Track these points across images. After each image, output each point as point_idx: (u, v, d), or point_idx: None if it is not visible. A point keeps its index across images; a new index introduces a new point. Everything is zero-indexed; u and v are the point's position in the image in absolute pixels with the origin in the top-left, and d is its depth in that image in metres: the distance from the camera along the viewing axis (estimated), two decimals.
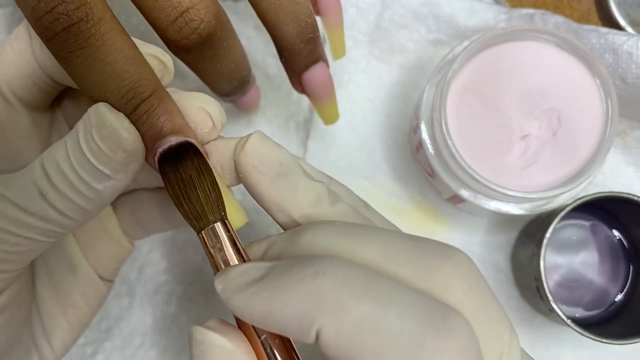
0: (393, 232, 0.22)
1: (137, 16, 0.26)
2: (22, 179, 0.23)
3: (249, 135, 0.25)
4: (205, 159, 0.24)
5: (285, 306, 0.19)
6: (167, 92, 0.24)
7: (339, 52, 0.36)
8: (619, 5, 0.43)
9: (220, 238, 0.23)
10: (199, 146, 0.24)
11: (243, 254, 0.23)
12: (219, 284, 0.21)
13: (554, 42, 0.36)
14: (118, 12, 0.23)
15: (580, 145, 0.36)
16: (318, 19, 0.33)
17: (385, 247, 0.21)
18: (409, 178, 0.43)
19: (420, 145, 0.38)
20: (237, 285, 0.21)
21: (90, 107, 0.23)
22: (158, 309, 0.42)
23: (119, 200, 0.32)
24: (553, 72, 0.36)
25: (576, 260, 0.41)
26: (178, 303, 0.42)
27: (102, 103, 0.22)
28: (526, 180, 0.36)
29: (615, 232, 0.41)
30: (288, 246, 0.22)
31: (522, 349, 0.22)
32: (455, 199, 0.39)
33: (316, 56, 0.32)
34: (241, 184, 0.25)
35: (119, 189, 0.24)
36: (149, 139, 0.23)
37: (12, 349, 0.27)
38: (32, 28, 0.25)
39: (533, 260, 0.38)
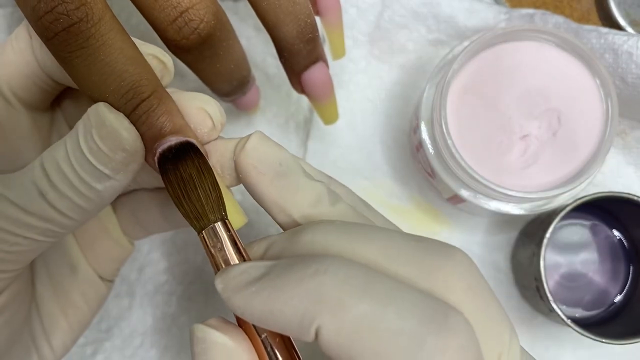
0: (393, 232, 0.22)
1: (137, 16, 0.26)
2: (21, 178, 0.23)
3: (249, 135, 0.25)
4: (205, 158, 0.24)
5: (286, 305, 0.19)
6: (167, 92, 0.24)
7: (339, 52, 0.36)
8: (619, 5, 0.43)
9: (220, 237, 0.23)
10: (199, 146, 0.24)
11: (243, 253, 0.23)
12: (219, 283, 0.21)
13: (554, 42, 0.36)
14: (118, 12, 0.23)
15: (580, 145, 0.36)
16: (317, 19, 0.33)
17: (386, 246, 0.21)
18: (409, 178, 0.43)
19: (420, 145, 0.38)
20: (237, 284, 0.21)
21: (90, 107, 0.23)
22: (158, 309, 0.42)
23: (119, 201, 0.32)
24: (553, 72, 0.36)
25: (576, 260, 0.41)
26: (178, 303, 0.42)
27: (102, 103, 0.22)
28: (526, 180, 0.36)
29: (616, 232, 0.41)
30: (288, 245, 0.22)
31: (522, 347, 0.22)
32: (455, 199, 0.39)
33: (316, 56, 0.32)
34: (241, 184, 0.25)
35: (119, 189, 0.24)
36: (148, 139, 0.23)
37: (11, 349, 0.27)
38: (32, 28, 0.25)
39: (533, 260, 0.38)
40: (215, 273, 0.22)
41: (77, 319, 0.30)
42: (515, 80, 0.36)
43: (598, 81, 0.36)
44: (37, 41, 0.25)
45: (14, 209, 0.23)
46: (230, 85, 0.32)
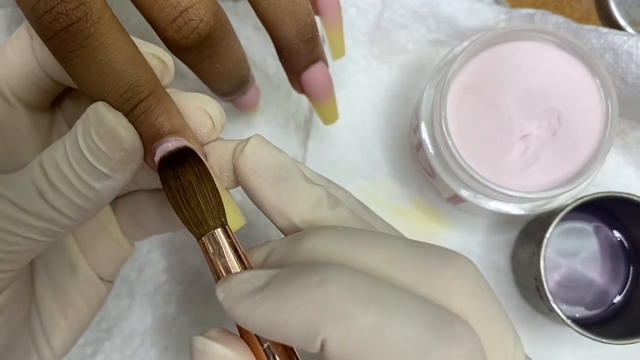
0: (395, 238, 0.22)
1: (137, 16, 0.26)
2: (21, 178, 0.23)
3: (248, 138, 0.24)
4: (204, 164, 0.23)
5: (289, 315, 0.19)
6: (166, 93, 0.24)
7: (339, 52, 0.36)
8: (619, 5, 0.43)
9: (220, 244, 0.22)
10: (197, 151, 0.24)
11: (244, 259, 0.23)
12: (220, 292, 0.21)
13: (554, 42, 0.36)
14: (117, 12, 0.23)
15: (580, 145, 0.36)
16: (317, 18, 0.33)
17: (388, 252, 0.21)
18: (409, 178, 0.43)
19: (420, 145, 0.38)
20: (239, 293, 0.20)
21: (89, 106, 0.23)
22: (158, 309, 0.42)
23: (119, 202, 0.32)
24: (553, 72, 0.36)
25: (576, 260, 0.41)
26: (178, 303, 0.42)
27: (101, 102, 0.22)
28: (526, 180, 0.36)
29: (616, 233, 0.41)
30: (289, 252, 0.22)
31: (526, 355, 0.22)
32: (455, 199, 0.39)
33: (315, 56, 0.32)
34: (240, 187, 0.25)
35: (118, 189, 0.24)
36: (147, 139, 0.23)
37: (11, 349, 0.27)
38: (32, 28, 0.25)
39: (533, 260, 0.38)
40: (215, 280, 0.22)
41: (77, 319, 0.30)
42: (515, 80, 0.36)
43: (598, 81, 0.36)
44: (37, 41, 0.25)
45: (14, 208, 0.23)
46: (230, 85, 0.32)
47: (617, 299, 0.40)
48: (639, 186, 0.42)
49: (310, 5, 0.30)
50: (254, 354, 0.21)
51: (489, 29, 0.40)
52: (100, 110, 0.22)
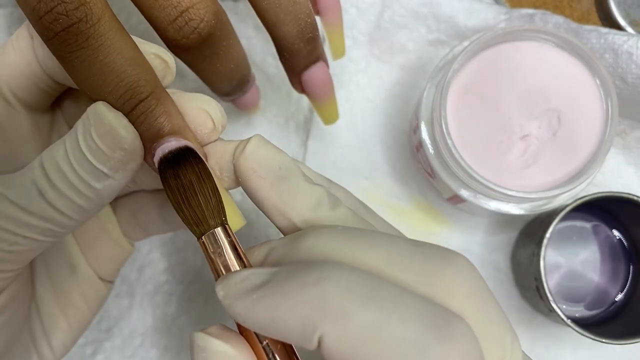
0: (395, 237, 0.22)
1: (137, 16, 0.26)
2: (21, 178, 0.23)
3: (249, 139, 0.24)
4: (205, 163, 0.23)
5: (288, 313, 0.19)
6: (167, 93, 0.24)
7: (339, 52, 0.36)
8: (619, 5, 0.43)
9: (220, 243, 0.23)
10: (197, 150, 0.24)
11: (244, 258, 0.23)
12: (220, 290, 0.21)
13: (554, 42, 0.36)
14: (117, 12, 0.23)
15: (580, 145, 0.36)
16: (318, 18, 0.33)
17: (387, 252, 0.21)
18: (409, 178, 0.43)
19: (420, 145, 0.38)
20: (238, 291, 0.21)
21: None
22: (158, 309, 0.42)
23: (119, 202, 0.32)
24: (553, 72, 0.36)
25: (576, 260, 0.41)
26: (178, 303, 0.42)
27: (101, 102, 0.22)
28: (526, 180, 0.36)
29: (616, 232, 0.41)
30: (289, 251, 0.22)
31: (523, 352, 0.22)
32: (455, 199, 0.39)
33: (316, 56, 0.32)
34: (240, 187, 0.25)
35: (118, 189, 0.24)
36: (147, 140, 0.23)
37: (11, 349, 0.27)
38: (33, 28, 0.25)
39: (533, 260, 0.38)
40: (215, 279, 0.22)
41: (77, 319, 0.30)
42: (515, 80, 0.36)
43: (598, 81, 0.36)
44: (38, 41, 0.25)
45: (14, 208, 0.23)
46: (230, 84, 0.32)
47: (617, 298, 0.40)
48: (639, 186, 0.42)
49: (310, 5, 0.30)
50: (254, 351, 0.21)
51: (489, 29, 0.40)
52: (101, 110, 0.22)
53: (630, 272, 0.41)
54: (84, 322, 0.31)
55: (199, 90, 0.26)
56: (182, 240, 0.42)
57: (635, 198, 0.36)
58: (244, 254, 0.23)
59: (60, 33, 0.21)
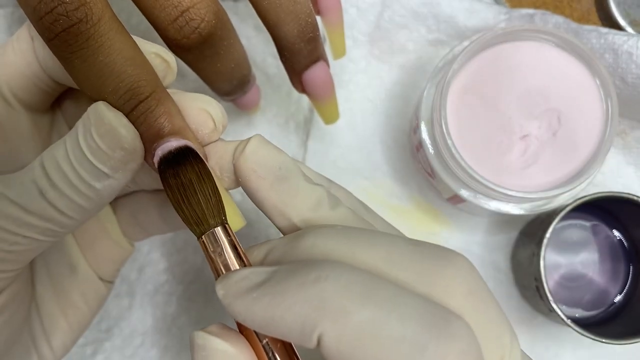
0: (394, 237, 0.22)
1: (137, 16, 0.26)
2: (21, 178, 0.23)
3: (249, 139, 0.24)
4: (205, 163, 0.23)
5: (287, 311, 0.19)
6: (167, 93, 0.24)
7: (339, 52, 0.36)
8: (618, 5, 0.43)
9: (220, 242, 0.23)
10: (198, 150, 0.24)
11: (244, 258, 0.23)
12: (220, 289, 0.21)
13: (554, 42, 0.36)
14: (118, 12, 0.23)
15: (580, 145, 0.36)
16: (318, 18, 0.33)
17: (387, 251, 0.21)
18: (409, 178, 0.43)
19: (420, 145, 0.38)
20: (238, 290, 0.21)
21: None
22: (158, 309, 0.42)
23: (119, 202, 0.32)
24: (553, 72, 0.36)
25: (576, 260, 0.41)
26: (178, 303, 0.42)
27: (101, 102, 0.22)
28: (526, 180, 0.36)
29: (616, 232, 0.41)
30: (289, 250, 0.22)
31: (522, 351, 0.22)
32: (455, 199, 0.39)
33: (316, 55, 0.32)
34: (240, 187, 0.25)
35: (118, 188, 0.24)
36: (147, 140, 0.23)
37: (11, 349, 0.27)
38: (34, 29, 0.25)
39: (533, 260, 0.38)
40: (215, 278, 0.22)
41: (77, 319, 0.30)
42: (515, 80, 0.36)
43: (598, 81, 0.36)
44: (39, 42, 0.25)
45: (14, 207, 0.23)
46: (231, 84, 0.32)
47: (617, 298, 0.40)
48: (639, 186, 0.42)
49: (311, 5, 0.30)
50: (254, 349, 0.21)
51: (489, 29, 0.40)
52: (101, 110, 0.22)
53: (630, 272, 0.41)
54: (83, 322, 0.31)
55: (199, 90, 0.26)
56: (182, 240, 0.42)
57: (635, 198, 0.36)
58: (243, 254, 0.23)
59: (61, 34, 0.21)
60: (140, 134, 0.23)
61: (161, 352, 0.42)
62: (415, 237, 0.23)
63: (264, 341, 0.21)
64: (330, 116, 0.36)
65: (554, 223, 0.37)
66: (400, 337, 0.18)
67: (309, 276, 0.19)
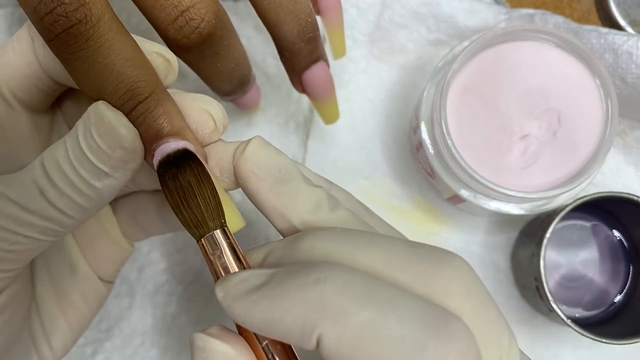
0: (393, 239, 0.22)
1: (137, 16, 0.26)
2: (22, 177, 0.23)
3: (249, 140, 0.24)
4: (204, 166, 0.23)
5: (286, 313, 0.19)
6: (167, 94, 0.24)
7: (339, 52, 0.36)
8: (618, 5, 0.43)
9: (219, 245, 0.23)
10: (196, 152, 0.24)
11: (243, 260, 0.23)
12: (219, 292, 0.21)
13: (554, 42, 0.36)
14: (118, 12, 0.23)
15: (580, 145, 0.36)
16: (318, 18, 0.33)
17: (385, 253, 0.21)
18: (409, 178, 0.43)
19: (420, 145, 0.38)
20: (237, 292, 0.21)
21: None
22: (158, 309, 0.42)
23: (119, 202, 0.32)
24: (553, 72, 0.36)
25: (576, 260, 0.41)
26: (178, 303, 0.42)
27: (101, 101, 0.23)
28: (526, 180, 0.36)
29: (616, 232, 0.41)
30: (288, 252, 0.22)
31: (521, 351, 0.22)
32: (455, 199, 0.39)
33: (317, 55, 0.32)
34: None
35: (118, 188, 0.24)
36: (147, 140, 0.23)
37: (11, 349, 0.27)
38: (34, 29, 0.25)
39: (533, 260, 0.38)
40: (215, 280, 0.22)
41: (77, 319, 0.30)
42: (515, 80, 0.36)
43: (598, 81, 0.36)
44: (39, 42, 0.25)
45: (14, 207, 0.23)
46: (231, 84, 0.32)
47: (617, 298, 0.40)
48: (639, 186, 0.42)
49: (311, 5, 0.30)
50: (253, 351, 0.21)
51: (489, 29, 0.40)
52: (101, 109, 0.22)
53: (630, 272, 0.41)
54: (83, 322, 0.31)
55: (199, 90, 0.26)
56: (182, 240, 0.42)
57: (635, 198, 0.36)
58: (243, 256, 0.23)
59: (61, 34, 0.21)
60: (139, 134, 0.23)
61: (161, 352, 0.42)
62: (415, 237, 0.23)
63: (264, 343, 0.21)
64: (330, 116, 0.36)
65: (554, 223, 0.37)
66: (400, 337, 0.18)
67: (308, 278, 0.19)
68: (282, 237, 0.24)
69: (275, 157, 0.24)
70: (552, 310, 0.36)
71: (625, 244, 0.41)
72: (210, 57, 0.29)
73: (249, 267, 0.23)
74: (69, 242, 0.31)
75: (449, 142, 0.34)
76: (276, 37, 0.30)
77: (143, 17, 0.26)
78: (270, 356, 0.21)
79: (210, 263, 0.23)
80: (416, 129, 0.38)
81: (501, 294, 0.42)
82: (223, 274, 0.22)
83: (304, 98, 0.42)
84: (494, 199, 0.37)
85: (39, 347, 0.29)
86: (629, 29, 0.43)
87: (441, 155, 0.36)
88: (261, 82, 0.43)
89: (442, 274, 0.21)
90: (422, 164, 0.40)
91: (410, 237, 0.24)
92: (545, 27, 0.39)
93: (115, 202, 0.32)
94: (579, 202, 0.37)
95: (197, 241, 0.23)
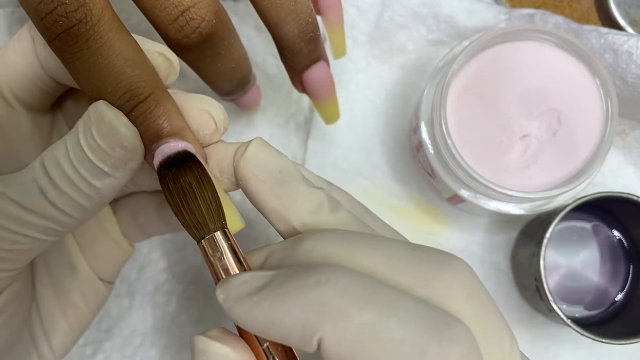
0: (394, 241, 0.22)
1: (137, 16, 0.26)
2: (22, 177, 0.23)
3: (249, 142, 0.24)
4: (204, 167, 0.23)
5: (287, 315, 0.19)
6: (168, 94, 0.24)
7: (340, 52, 0.36)
8: (618, 5, 0.43)
9: (220, 247, 0.23)
10: (197, 153, 0.24)
11: (243, 262, 0.23)
12: (220, 293, 0.21)
13: (554, 42, 0.36)
14: (118, 12, 0.23)
15: (580, 145, 0.36)
16: (318, 18, 0.33)
17: (386, 255, 0.21)
18: (409, 178, 0.43)
19: (420, 145, 0.38)
20: (238, 294, 0.21)
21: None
22: (158, 309, 0.42)
23: (119, 203, 0.32)
24: (553, 72, 0.36)
25: (576, 260, 0.41)
26: (178, 302, 0.42)
27: (102, 101, 0.23)
28: (526, 180, 0.36)
29: (616, 232, 0.41)
30: (288, 254, 0.22)
31: (522, 353, 0.22)
32: (455, 199, 0.39)
33: (317, 55, 0.32)
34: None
35: (118, 187, 0.24)
36: (146, 140, 0.23)
37: (11, 349, 0.27)
38: (35, 29, 0.25)
39: (533, 260, 0.38)
40: (215, 282, 0.22)
41: (77, 319, 0.30)
42: (515, 80, 0.36)
43: (598, 81, 0.36)
44: (40, 42, 0.25)
45: (15, 207, 0.23)
46: (231, 84, 0.32)
47: (617, 298, 0.40)
48: (639, 186, 0.42)
49: (311, 5, 0.30)
50: (254, 353, 0.21)
51: (489, 29, 0.40)
52: (101, 109, 0.22)
53: (630, 272, 0.41)
54: (83, 322, 0.31)
55: (199, 90, 0.26)
56: (182, 240, 0.42)
57: (635, 198, 0.36)
58: (243, 258, 0.23)
59: (61, 35, 0.21)
60: (139, 134, 0.23)
61: (161, 351, 0.42)
62: (415, 237, 0.23)
63: (265, 345, 0.21)
64: (331, 116, 0.36)
65: (554, 223, 0.37)
66: (401, 340, 0.18)
67: (309, 280, 0.19)
68: (282, 239, 0.24)
69: (275, 159, 0.24)
70: (552, 310, 0.36)
71: (625, 244, 0.41)
72: (210, 57, 0.29)
73: (250, 269, 0.23)
74: (69, 243, 0.31)
75: (449, 142, 0.34)
76: (277, 37, 0.30)
77: (143, 17, 0.26)
78: (271, 358, 0.21)
79: (211, 264, 0.23)
80: (416, 129, 0.38)
81: (501, 294, 0.42)
82: (223, 276, 0.22)
83: (304, 98, 0.42)
84: (494, 199, 0.37)
85: (39, 347, 0.29)
86: (629, 29, 0.43)
87: (441, 155, 0.36)
88: (261, 82, 0.43)
89: (444, 276, 0.21)
90: (422, 164, 0.40)
91: (410, 237, 0.24)
92: (545, 27, 0.39)
93: (115, 203, 0.32)
94: (579, 202, 0.37)
95: (198, 243, 0.23)
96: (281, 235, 0.25)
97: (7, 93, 0.26)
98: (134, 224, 0.32)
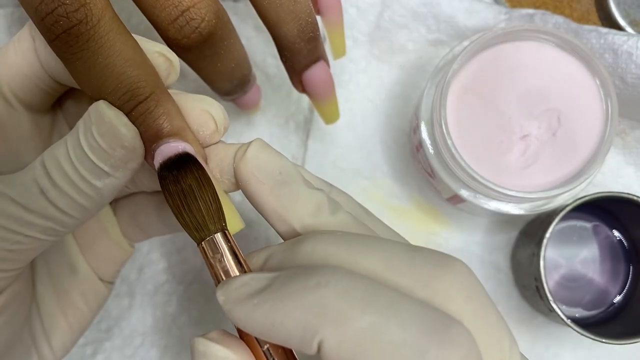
0: (394, 242, 0.22)
1: (137, 16, 0.26)
2: (22, 177, 0.23)
3: (249, 143, 0.24)
4: (204, 169, 0.23)
5: (287, 317, 0.19)
6: (168, 94, 0.24)
7: (339, 52, 0.36)
8: (618, 5, 0.43)
9: (220, 248, 0.23)
10: (197, 154, 0.24)
11: (243, 264, 0.23)
12: (220, 295, 0.21)
13: (554, 42, 0.36)
14: (118, 12, 0.23)
15: (580, 145, 0.36)
16: (318, 18, 0.33)
17: (386, 257, 0.21)
18: (409, 178, 0.43)
19: (420, 145, 0.38)
20: (239, 296, 0.21)
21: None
22: (158, 309, 0.42)
23: (119, 203, 0.32)
24: (553, 72, 0.36)
25: (576, 260, 0.41)
26: (178, 303, 0.42)
27: (102, 100, 0.23)
28: (526, 180, 0.36)
29: (615, 232, 0.41)
30: (288, 256, 0.22)
31: (522, 354, 0.22)
32: (455, 199, 0.39)
33: (317, 55, 0.32)
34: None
35: (118, 187, 0.24)
36: (147, 140, 0.23)
37: (11, 349, 0.27)
38: (35, 29, 0.25)
39: (533, 260, 0.38)
40: (215, 284, 0.22)
41: (77, 319, 0.30)
42: (515, 80, 0.36)
43: (598, 81, 0.36)
44: (40, 42, 0.25)
45: (15, 207, 0.23)
46: (231, 84, 0.32)
47: (617, 298, 0.40)
48: (639, 186, 0.42)
49: (311, 5, 0.30)
50: (254, 356, 0.21)
51: (489, 29, 0.40)
52: (102, 109, 0.22)
53: (630, 272, 0.41)
54: (84, 322, 0.31)
55: (199, 90, 0.26)
56: (182, 240, 0.42)
57: (635, 198, 0.36)
58: (243, 260, 0.23)
59: (62, 35, 0.21)
60: (140, 134, 0.23)
61: (161, 352, 0.42)
62: (415, 237, 0.23)
63: (265, 347, 0.21)
64: (331, 116, 0.36)
65: (554, 223, 0.37)
66: (401, 342, 0.18)
67: (309, 282, 0.19)
68: (282, 240, 0.24)
69: (275, 160, 0.24)
70: (552, 310, 0.36)
71: (625, 244, 0.41)
72: (210, 57, 0.29)
73: (250, 271, 0.23)
74: (69, 243, 0.31)
75: (449, 142, 0.34)
76: (276, 37, 0.30)
77: (143, 17, 0.26)
78: None
79: (211, 266, 0.23)
80: (416, 129, 0.38)
81: (501, 294, 0.42)
82: (224, 278, 0.22)
83: (304, 98, 0.42)
84: (494, 199, 0.37)
85: (39, 347, 0.29)
86: (629, 29, 0.43)
87: (441, 155, 0.36)
88: (261, 82, 0.43)
89: (443, 278, 0.21)
90: (422, 164, 0.40)
91: (410, 237, 0.24)
92: (545, 27, 0.39)
93: (115, 203, 0.32)
94: (579, 202, 0.37)
95: (198, 244, 0.23)
96: (281, 237, 0.25)
97: (7, 93, 0.26)
98: (134, 224, 0.32)
